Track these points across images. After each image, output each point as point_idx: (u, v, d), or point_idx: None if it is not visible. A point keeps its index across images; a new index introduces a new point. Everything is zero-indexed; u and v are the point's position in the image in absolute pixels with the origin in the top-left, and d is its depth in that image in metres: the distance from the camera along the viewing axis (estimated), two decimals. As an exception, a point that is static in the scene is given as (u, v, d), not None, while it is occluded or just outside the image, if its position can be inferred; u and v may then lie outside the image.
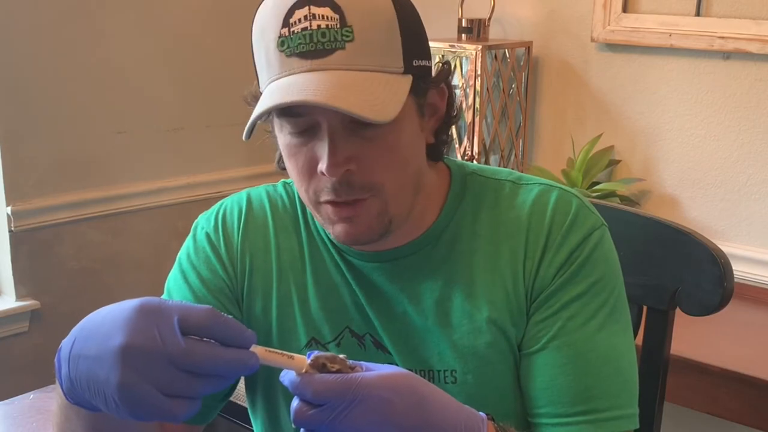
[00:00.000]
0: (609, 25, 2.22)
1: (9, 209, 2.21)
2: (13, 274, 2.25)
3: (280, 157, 1.00)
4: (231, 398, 1.11)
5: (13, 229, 2.22)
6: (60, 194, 2.31)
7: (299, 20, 0.87)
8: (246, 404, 1.14)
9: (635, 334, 1.21)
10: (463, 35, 2.34)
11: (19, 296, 2.27)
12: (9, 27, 2.16)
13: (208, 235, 1.07)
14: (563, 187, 1.03)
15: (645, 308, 1.21)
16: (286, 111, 0.89)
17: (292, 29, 0.87)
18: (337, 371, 0.76)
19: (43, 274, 2.31)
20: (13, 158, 2.21)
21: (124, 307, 0.74)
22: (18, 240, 2.24)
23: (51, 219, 2.30)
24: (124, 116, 2.42)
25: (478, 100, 2.24)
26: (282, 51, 0.88)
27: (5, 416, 1.51)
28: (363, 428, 0.75)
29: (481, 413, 0.85)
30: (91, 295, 2.36)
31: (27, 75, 2.21)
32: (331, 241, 1.04)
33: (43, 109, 2.25)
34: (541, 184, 1.03)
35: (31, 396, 1.56)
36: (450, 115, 1.02)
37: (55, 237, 2.32)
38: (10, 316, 2.24)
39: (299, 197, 1.06)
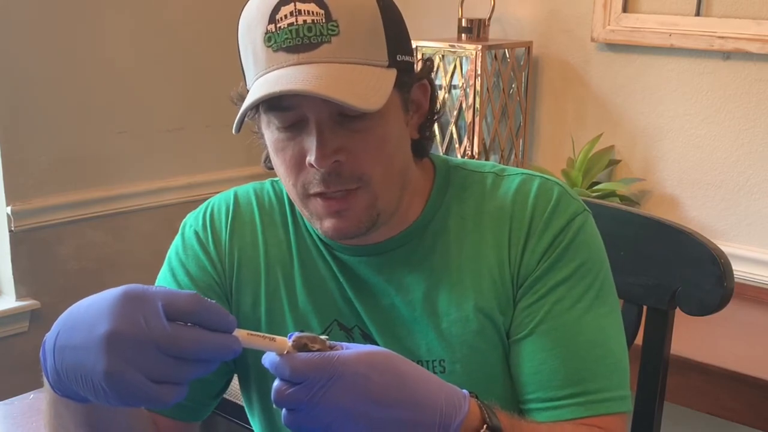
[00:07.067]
0: (609, 25, 2.22)
1: (9, 209, 2.21)
2: (13, 274, 2.25)
3: (267, 156, 1.01)
4: (230, 398, 1.11)
5: (13, 229, 2.22)
6: (60, 194, 2.31)
7: (285, 16, 0.89)
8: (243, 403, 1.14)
9: (635, 334, 1.22)
10: (463, 35, 2.33)
11: (19, 296, 2.27)
12: (9, 27, 2.16)
13: (196, 233, 1.09)
14: (545, 176, 1.04)
15: (645, 308, 1.21)
16: (274, 105, 0.91)
17: (278, 25, 0.89)
18: (318, 351, 0.77)
19: (43, 274, 2.31)
20: (13, 158, 2.21)
21: (108, 295, 0.75)
22: (18, 240, 2.24)
23: (51, 219, 2.30)
24: (124, 116, 2.42)
25: (478, 100, 2.24)
26: (269, 46, 0.90)
27: (5, 416, 1.51)
28: (342, 405, 0.76)
29: (463, 390, 0.85)
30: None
31: (27, 75, 2.21)
32: (318, 236, 1.05)
33: (43, 109, 2.25)
34: (523, 173, 1.05)
35: (31, 396, 1.56)
36: (433, 111, 1.04)
37: (55, 237, 2.32)
38: (10, 316, 2.24)
39: (287, 194, 1.08)
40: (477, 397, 0.87)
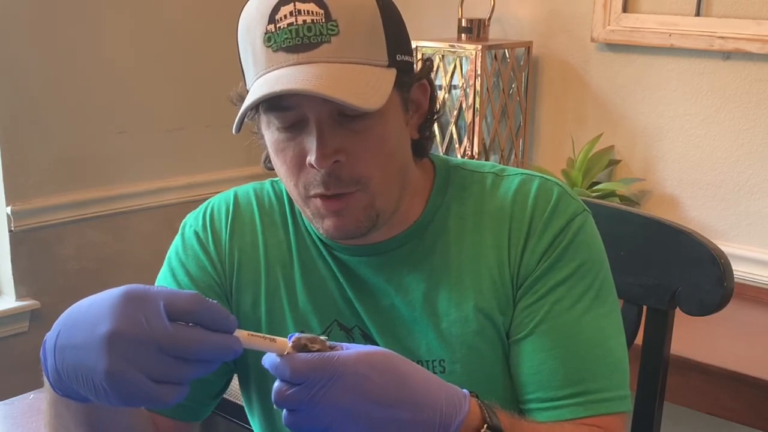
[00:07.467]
0: (609, 25, 2.22)
1: (9, 209, 2.21)
2: (13, 274, 2.25)
3: (267, 157, 1.01)
4: (230, 398, 1.11)
5: (13, 229, 2.22)
6: (60, 194, 2.31)
7: (285, 16, 0.89)
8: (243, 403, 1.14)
9: (635, 334, 1.22)
10: (463, 35, 2.33)
11: (19, 296, 2.27)
12: (9, 27, 2.16)
13: (196, 233, 1.09)
14: (545, 176, 1.05)
15: (645, 308, 1.21)
16: (274, 105, 0.91)
17: (278, 25, 0.89)
18: (318, 351, 0.77)
19: (43, 274, 2.31)
20: (13, 158, 2.21)
21: (109, 295, 0.75)
22: (18, 240, 2.24)
23: (51, 219, 2.30)
24: (124, 116, 2.42)
25: (478, 100, 2.24)
26: (269, 47, 0.90)
27: (5, 416, 1.51)
28: (343, 405, 0.76)
29: (464, 390, 0.85)
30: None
31: (27, 75, 2.21)
32: (318, 237, 1.06)
33: (43, 109, 2.25)
34: (523, 173, 1.05)
35: (31, 396, 1.56)
36: (432, 111, 1.04)
37: (55, 237, 2.32)
38: (10, 316, 2.24)
39: (287, 194, 1.08)
40: (477, 397, 0.87)
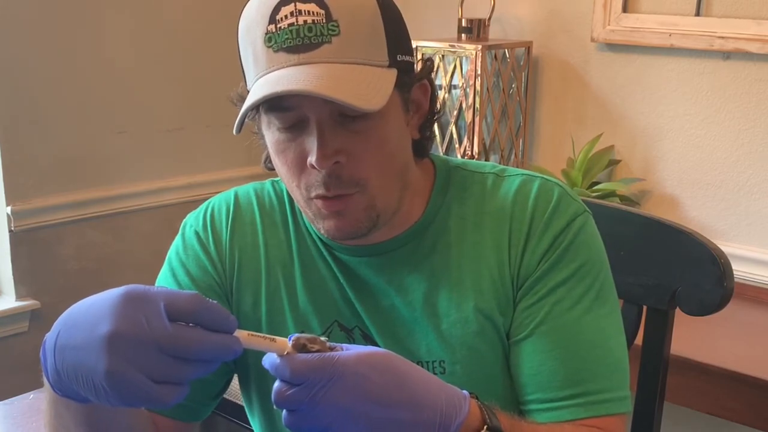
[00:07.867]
0: (609, 25, 2.22)
1: (9, 209, 2.21)
2: (13, 274, 2.25)
3: (267, 157, 1.02)
4: (230, 398, 1.11)
5: (13, 229, 2.22)
6: (60, 194, 2.31)
7: (286, 16, 0.89)
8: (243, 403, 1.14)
9: (635, 334, 1.22)
10: (463, 35, 2.33)
11: (19, 296, 2.28)
12: (9, 27, 2.16)
13: (197, 233, 1.09)
14: (546, 176, 1.04)
15: (645, 308, 1.21)
16: (275, 105, 0.91)
17: (278, 25, 0.89)
18: (317, 351, 0.77)
19: (43, 274, 2.31)
20: (13, 158, 2.21)
21: (109, 295, 0.75)
22: (18, 240, 2.24)
23: (51, 219, 2.30)
24: (124, 116, 2.43)
25: (478, 100, 2.24)
26: (269, 47, 0.90)
27: (5, 416, 1.51)
28: (342, 405, 0.76)
29: (463, 391, 0.85)
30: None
31: (27, 75, 2.21)
32: (318, 237, 1.06)
33: (43, 109, 2.25)
34: (523, 174, 1.05)
35: (31, 396, 1.56)
36: (433, 111, 1.04)
37: (55, 237, 2.32)
38: (10, 316, 2.25)
39: (287, 194, 1.08)
40: (477, 398, 0.87)
